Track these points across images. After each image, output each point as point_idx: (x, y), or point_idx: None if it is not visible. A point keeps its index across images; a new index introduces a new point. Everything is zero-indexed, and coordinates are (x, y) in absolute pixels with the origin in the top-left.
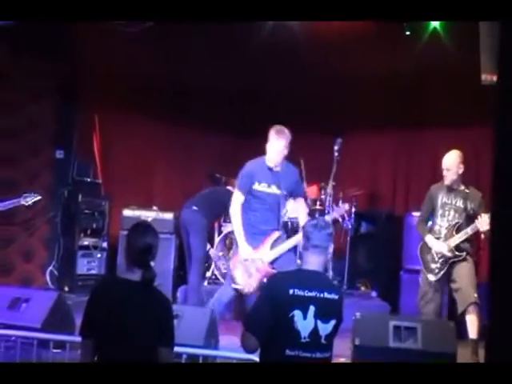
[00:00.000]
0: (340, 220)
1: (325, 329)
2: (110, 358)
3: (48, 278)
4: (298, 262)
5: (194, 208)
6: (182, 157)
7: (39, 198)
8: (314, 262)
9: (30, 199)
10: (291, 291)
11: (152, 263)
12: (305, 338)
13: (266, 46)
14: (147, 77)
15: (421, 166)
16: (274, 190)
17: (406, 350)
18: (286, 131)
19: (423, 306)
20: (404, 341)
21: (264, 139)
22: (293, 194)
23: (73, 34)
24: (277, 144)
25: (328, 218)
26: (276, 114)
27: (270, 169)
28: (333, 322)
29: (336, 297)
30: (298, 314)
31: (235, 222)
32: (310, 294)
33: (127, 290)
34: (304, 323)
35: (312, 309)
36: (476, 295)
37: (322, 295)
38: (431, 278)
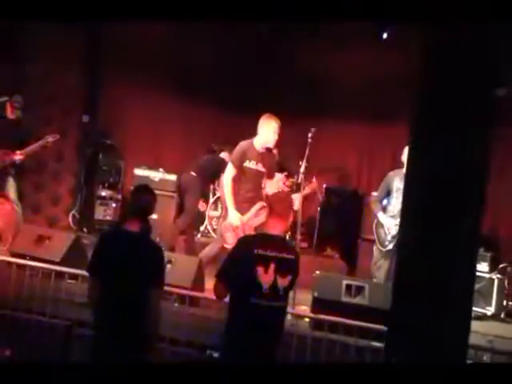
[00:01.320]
0: (313, 193)
1: (282, 282)
2: (110, 295)
3: (71, 220)
4: None
5: (192, 173)
6: (186, 128)
7: (58, 136)
8: (276, 227)
9: (51, 139)
10: (256, 251)
11: (152, 216)
12: (265, 289)
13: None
14: (159, 57)
15: (383, 155)
16: (259, 167)
17: (355, 305)
18: (276, 120)
19: (375, 270)
20: (353, 297)
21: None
22: (270, 173)
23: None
24: (271, 129)
25: (302, 192)
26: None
27: (258, 150)
28: (289, 277)
29: (292, 257)
30: (260, 269)
31: (227, 192)
32: (271, 253)
33: (127, 238)
34: (265, 277)
35: (272, 266)
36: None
37: (280, 255)
38: (382, 248)
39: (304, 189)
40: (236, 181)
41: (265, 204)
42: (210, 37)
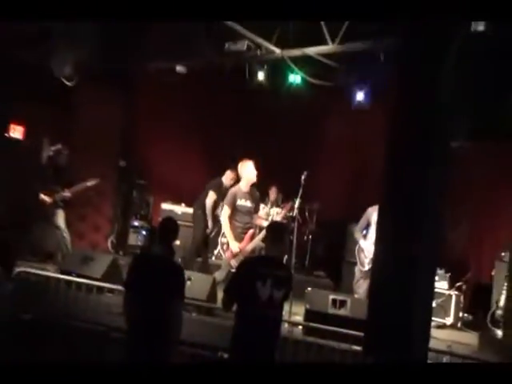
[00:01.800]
0: (293, 216)
1: (277, 295)
2: (141, 306)
3: (109, 245)
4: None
5: (198, 210)
6: (204, 171)
7: (98, 180)
8: (272, 250)
9: (91, 182)
10: (255, 269)
11: (176, 243)
12: (263, 300)
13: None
14: (180, 111)
15: (365, 193)
16: (248, 203)
17: (339, 316)
18: (250, 161)
19: (356, 287)
20: (338, 309)
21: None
22: (257, 206)
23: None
24: (249, 172)
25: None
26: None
27: (244, 191)
28: (283, 291)
29: (286, 274)
30: (259, 284)
31: (226, 228)
32: (268, 271)
33: (155, 260)
34: (263, 290)
35: (269, 281)
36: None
37: (276, 272)
38: (362, 268)
39: (298, 220)
40: (232, 217)
41: (253, 230)
42: (221, 96)
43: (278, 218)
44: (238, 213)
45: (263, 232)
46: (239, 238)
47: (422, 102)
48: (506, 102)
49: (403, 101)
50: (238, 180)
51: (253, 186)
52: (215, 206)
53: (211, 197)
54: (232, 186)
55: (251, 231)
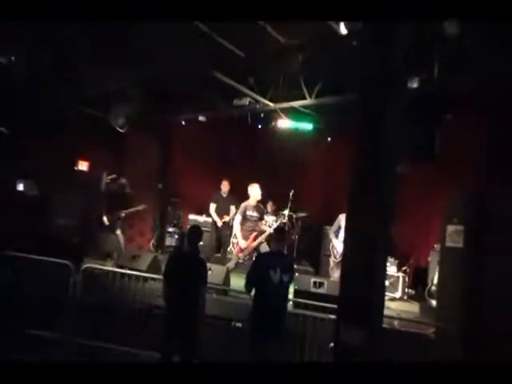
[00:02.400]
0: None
1: (285, 278)
2: (176, 290)
3: (151, 246)
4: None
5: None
6: (218, 190)
7: (146, 206)
8: (277, 246)
9: (142, 207)
10: (267, 261)
11: (200, 243)
12: (275, 283)
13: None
14: (201, 149)
15: (337, 204)
16: (255, 214)
17: (319, 293)
18: (257, 185)
19: (331, 273)
20: (318, 288)
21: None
22: (261, 217)
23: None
24: (256, 191)
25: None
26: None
27: (252, 205)
28: (289, 275)
29: (290, 263)
30: (271, 271)
31: (237, 232)
32: (277, 261)
33: (185, 257)
34: (275, 276)
35: (278, 269)
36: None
37: (283, 262)
38: (335, 260)
39: (288, 225)
40: (242, 223)
41: (257, 233)
42: (230, 137)
43: (274, 225)
44: (246, 220)
45: (264, 235)
46: (246, 238)
47: (373, 139)
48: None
49: (361, 139)
50: (231, 187)
51: (258, 201)
52: (217, 211)
53: (212, 207)
54: (230, 191)
55: (254, 234)
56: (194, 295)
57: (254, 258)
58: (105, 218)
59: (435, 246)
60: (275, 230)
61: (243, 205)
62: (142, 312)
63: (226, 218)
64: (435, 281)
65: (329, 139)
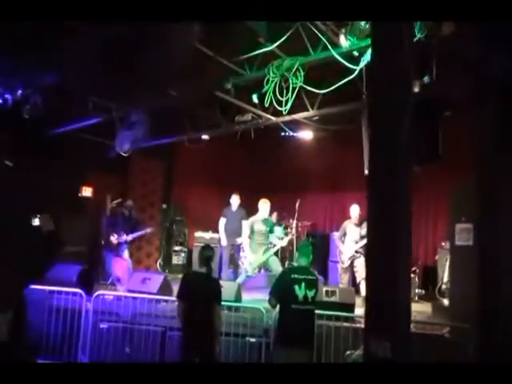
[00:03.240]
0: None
1: (310, 294)
2: (192, 310)
3: (158, 266)
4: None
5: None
6: (223, 206)
7: (153, 229)
8: (303, 261)
9: (149, 230)
10: (292, 276)
11: (212, 264)
12: (300, 299)
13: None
14: (205, 166)
15: (340, 210)
16: (264, 228)
17: (331, 302)
18: (267, 201)
19: (340, 279)
20: (330, 297)
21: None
22: (271, 230)
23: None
24: (265, 207)
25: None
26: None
27: (260, 219)
28: (314, 290)
29: (314, 278)
30: (296, 287)
31: (245, 244)
32: (302, 276)
33: (199, 277)
34: (299, 291)
35: (303, 284)
36: (365, 274)
37: (307, 277)
38: (343, 266)
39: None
40: (251, 237)
41: (265, 247)
42: (234, 153)
43: (285, 239)
44: (255, 233)
45: (274, 248)
46: (255, 251)
47: (389, 143)
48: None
49: (376, 144)
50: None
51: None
52: (227, 227)
53: (221, 222)
54: (240, 205)
55: (264, 248)
56: (209, 314)
57: (262, 271)
58: (112, 238)
59: (443, 244)
60: (300, 245)
61: (251, 219)
62: (156, 334)
63: (239, 241)
64: (445, 279)
65: (330, 147)
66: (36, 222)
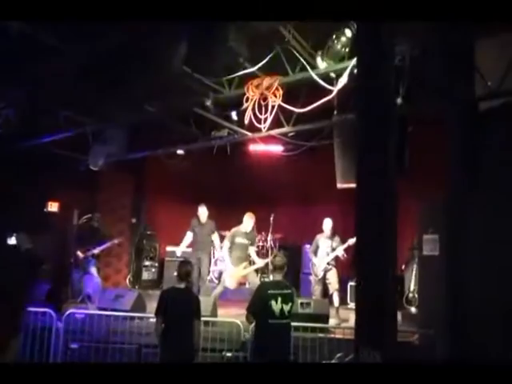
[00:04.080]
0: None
1: (286, 308)
2: (170, 327)
3: (128, 282)
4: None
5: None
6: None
7: (121, 240)
8: (278, 276)
9: (117, 241)
10: (269, 291)
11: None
12: (277, 313)
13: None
14: (178, 180)
15: (312, 224)
16: (244, 241)
17: (306, 313)
18: (252, 216)
19: (314, 291)
20: (305, 309)
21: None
22: (252, 243)
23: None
24: (250, 220)
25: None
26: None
27: (243, 231)
28: (290, 304)
29: (290, 291)
30: (272, 302)
31: (226, 257)
32: (277, 291)
33: (178, 292)
34: (276, 306)
35: (279, 299)
36: (338, 286)
37: (283, 292)
38: (316, 277)
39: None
40: (231, 249)
41: (246, 262)
42: (209, 168)
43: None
44: (235, 246)
45: (254, 266)
46: (235, 264)
47: (378, 153)
48: None
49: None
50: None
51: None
52: (195, 239)
53: (187, 236)
54: (208, 217)
55: (245, 263)
56: (188, 330)
57: (247, 285)
58: (79, 253)
59: (410, 254)
60: (274, 261)
61: (233, 230)
62: (131, 352)
63: (217, 253)
64: (412, 288)
65: (302, 161)
66: (12, 240)
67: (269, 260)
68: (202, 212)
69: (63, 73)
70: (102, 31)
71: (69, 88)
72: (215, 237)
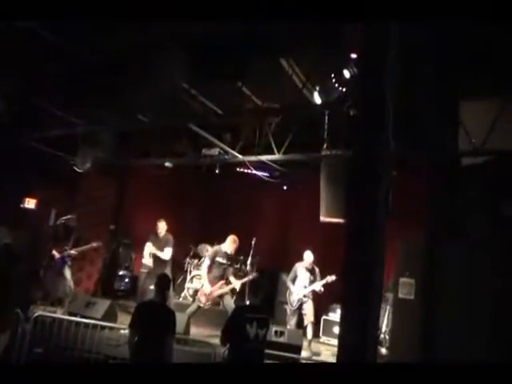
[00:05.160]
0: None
1: (261, 333)
2: (143, 341)
3: (99, 289)
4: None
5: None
6: (176, 235)
7: (100, 243)
8: (255, 300)
9: (95, 244)
10: (245, 315)
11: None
12: (252, 338)
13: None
14: (161, 192)
15: (292, 254)
16: (224, 261)
17: (279, 342)
18: (236, 239)
19: (288, 321)
20: (279, 337)
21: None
22: (232, 264)
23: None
24: (233, 244)
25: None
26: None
27: (223, 252)
28: (265, 330)
29: (265, 317)
30: (248, 326)
31: (203, 275)
32: (254, 315)
33: (154, 306)
34: (251, 330)
35: (255, 323)
36: (313, 318)
37: (259, 316)
38: (291, 307)
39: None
40: (210, 268)
41: (223, 282)
42: (194, 184)
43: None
44: (215, 266)
45: (230, 286)
46: (212, 283)
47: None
48: None
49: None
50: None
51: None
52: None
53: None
54: (165, 233)
55: (222, 282)
56: (161, 345)
57: (221, 306)
58: (54, 252)
59: (384, 295)
60: (252, 286)
61: (214, 249)
62: (97, 363)
63: (221, 283)
64: (384, 329)
65: (284, 187)
66: None
67: (247, 280)
68: (160, 227)
69: (61, 72)
70: (108, 35)
71: (64, 88)
72: (168, 252)
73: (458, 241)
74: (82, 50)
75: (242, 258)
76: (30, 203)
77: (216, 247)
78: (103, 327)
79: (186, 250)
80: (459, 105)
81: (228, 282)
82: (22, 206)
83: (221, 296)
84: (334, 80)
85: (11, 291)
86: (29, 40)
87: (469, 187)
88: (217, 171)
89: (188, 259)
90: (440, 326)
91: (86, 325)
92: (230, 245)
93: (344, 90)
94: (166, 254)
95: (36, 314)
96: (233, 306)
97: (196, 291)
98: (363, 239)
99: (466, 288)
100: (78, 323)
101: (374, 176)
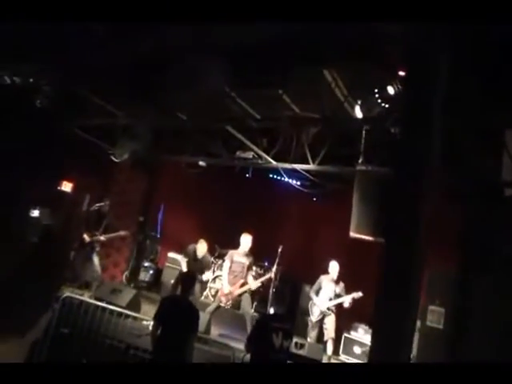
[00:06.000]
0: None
1: (286, 343)
2: (166, 335)
3: (124, 278)
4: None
5: None
6: (199, 232)
7: (128, 233)
8: (281, 309)
9: (124, 233)
10: (272, 324)
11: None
12: (277, 348)
13: None
14: (192, 191)
15: (317, 266)
16: (243, 260)
17: (299, 355)
18: (249, 235)
19: (309, 333)
20: (299, 349)
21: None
22: (250, 264)
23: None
24: (245, 240)
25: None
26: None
27: (240, 252)
28: (289, 340)
29: (291, 328)
30: (274, 336)
31: (224, 275)
32: (280, 325)
33: (179, 302)
34: (276, 340)
35: (280, 333)
36: (333, 334)
37: (284, 326)
38: (313, 319)
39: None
40: (230, 268)
41: (243, 280)
42: (225, 186)
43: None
44: (234, 265)
45: (247, 287)
46: (232, 282)
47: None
48: None
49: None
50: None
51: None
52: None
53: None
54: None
55: (242, 281)
56: (183, 342)
57: (240, 310)
58: (85, 236)
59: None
60: (278, 292)
61: (231, 252)
62: (117, 351)
63: (241, 282)
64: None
65: (314, 199)
66: (35, 213)
67: (263, 280)
68: (198, 247)
69: (106, 64)
70: (154, 35)
71: (110, 79)
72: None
73: (492, 274)
74: (127, 45)
75: (266, 264)
76: (67, 186)
77: (231, 250)
78: (127, 316)
79: (211, 249)
80: (504, 133)
81: (246, 283)
82: (59, 188)
83: (240, 296)
84: (376, 95)
85: (52, 272)
86: (79, 29)
87: (508, 219)
88: (248, 175)
89: (213, 259)
90: (467, 358)
91: (111, 312)
92: (244, 243)
93: (387, 106)
94: (205, 277)
95: (64, 295)
96: (250, 310)
97: (217, 291)
98: (401, 261)
99: (496, 321)
100: (104, 309)
101: (419, 197)
